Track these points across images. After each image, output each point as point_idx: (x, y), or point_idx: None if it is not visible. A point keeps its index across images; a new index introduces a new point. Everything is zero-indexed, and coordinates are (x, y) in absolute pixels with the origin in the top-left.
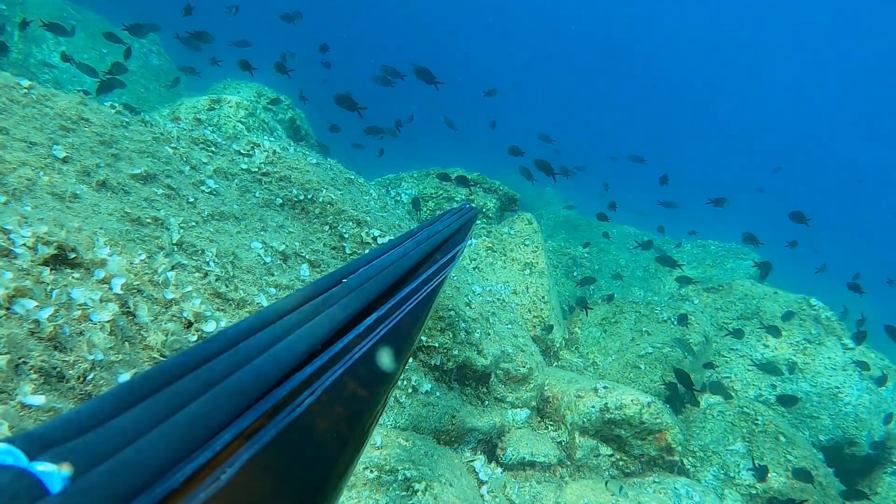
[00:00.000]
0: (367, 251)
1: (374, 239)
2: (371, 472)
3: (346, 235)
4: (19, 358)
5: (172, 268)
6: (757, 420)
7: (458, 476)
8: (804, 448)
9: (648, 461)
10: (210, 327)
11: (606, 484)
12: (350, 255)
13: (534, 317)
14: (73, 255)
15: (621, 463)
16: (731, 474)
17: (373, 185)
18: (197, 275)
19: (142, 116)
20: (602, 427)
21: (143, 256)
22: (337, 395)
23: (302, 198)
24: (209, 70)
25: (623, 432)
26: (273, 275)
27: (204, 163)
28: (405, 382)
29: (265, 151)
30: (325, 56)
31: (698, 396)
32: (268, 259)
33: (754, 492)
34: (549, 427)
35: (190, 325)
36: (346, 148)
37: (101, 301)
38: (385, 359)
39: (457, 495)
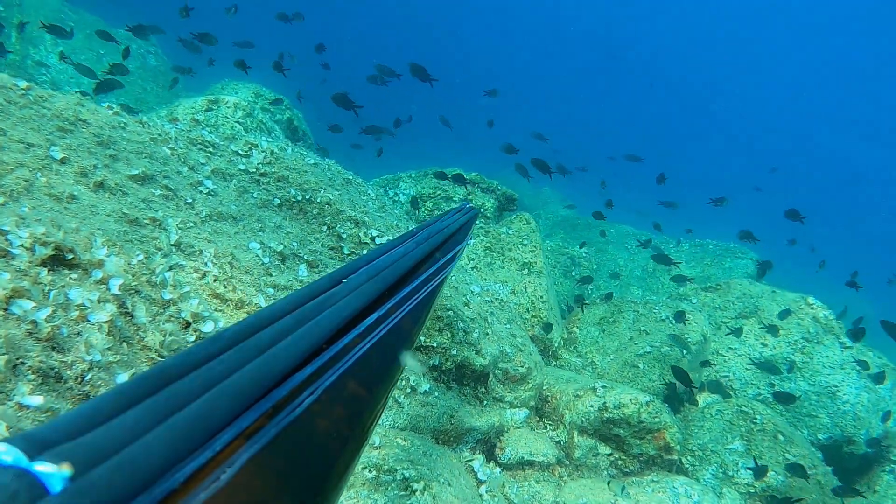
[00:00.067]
0: (365, 251)
1: (373, 239)
2: (370, 471)
3: (345, 236)
4: (17, 358)
5: (170, 268)
6: (755, 419)
7: (456, 476)
8: (803, 447)
9: (647, 460)
10: (208, 328)
11: (609, 484)
12: (348, 255)
13: (532, 316)
14: (70, 256)
15: (620, 462)
16: (730, 473)
17: (371, 186)
18: (195, 275)
19: (139, 117)
20: (601, 426)
21: (141, 257)
22: (337, 394)
23: (300, 198)
24: (205, 70)
25: (622, 431)
26: (271, 275)
27: (202, 163)
28: (404, 382)
29: (263, 152)
30: (323, 56)
31: (696, 395)
32: (266, 259)
33: (753, 490)
34: (548, 426)
35: (188, 325)
36: (344, 148)
37: (98, 302)
38: (385, 359)
39: (455, 495)
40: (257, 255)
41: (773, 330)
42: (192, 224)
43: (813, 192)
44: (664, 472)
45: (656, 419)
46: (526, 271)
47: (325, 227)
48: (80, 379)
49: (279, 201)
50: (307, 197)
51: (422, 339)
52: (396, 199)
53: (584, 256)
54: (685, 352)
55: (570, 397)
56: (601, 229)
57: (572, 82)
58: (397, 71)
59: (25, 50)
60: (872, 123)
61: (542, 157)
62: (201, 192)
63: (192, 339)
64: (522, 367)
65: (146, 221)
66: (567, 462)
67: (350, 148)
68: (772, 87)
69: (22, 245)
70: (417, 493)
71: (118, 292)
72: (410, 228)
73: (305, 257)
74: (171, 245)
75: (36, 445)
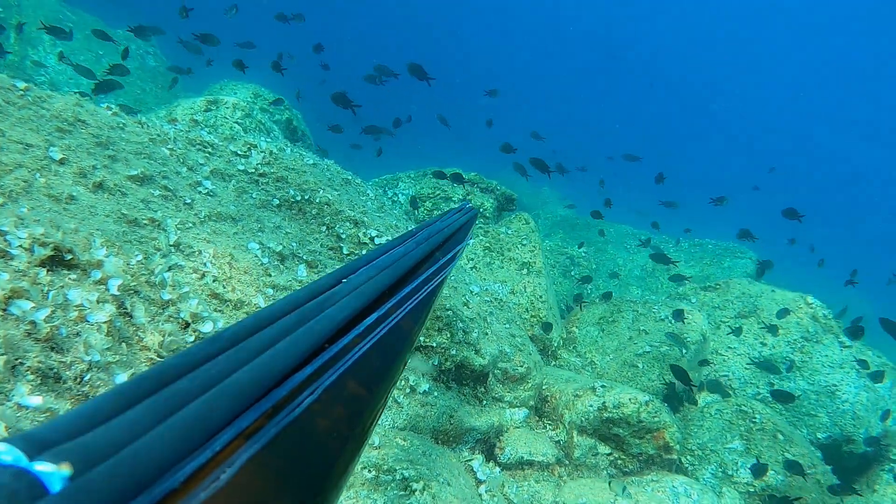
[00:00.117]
0: (364, 251)
1: (372, 239)
2: (369, 471)
3: (344, 236)
4: (16, 359)
5: (169, 269)
6: (755, 418)
7: (456, 475)
8: (802, 446)
9: (647, 460)
10: (207, 328)
11: (610, 484)
12: (347, 255)
13: (531, 316)
14: (69, 257)
15: (619, 462)
16: (729, 472)
17: (370, 186)
18: (194, 276)
19: (138, 118)
20: (600, 426)
21: (140, 257)
22: (337, 394)
23: (299, 198)
24: (204, 71)
25: (621, 431)
26: (270, 275)
27: (201, 164)
28: (403, 382)
29: (262, 152)
30: (322, 57)
31: (696, 394)
32: (265, 260)
33: (752, 490)
34: (548, 426)
35: (187, 325)
36: (344, 148)
37: (97, 302)
38: (385, 359)
39: (455, 494)
40: (256, 256)
41: (772, 329)
42: (190, 224)
43: (812, 191)
44: (664, 472)
45: (655, 419)
46: (525, 271)
47: (324, 228)
48: (79, 379)
49: (278, 201)
50: (306, 197)
51: (421, 339)
52: (395, 199)
53: (583, 256)
54: (684, 351)
55: (570, 397)
56: (600, 228)
57: (572, 82)
58: (397, 71)
59: (24, 51)
60: (872, 123)
61: (540, 157)
62: (200, 192)
63: (192, 339)
64: (522, 366)
65: (145, 222)
66: (566, 462)
67: (349, 148)
68: (771, 87)
69: (21, 245)
70: (417, 493)
71: (117, 293)
72: (410, 228)
73: (304, 257)
74: (170, 245)
75: (35, 445)
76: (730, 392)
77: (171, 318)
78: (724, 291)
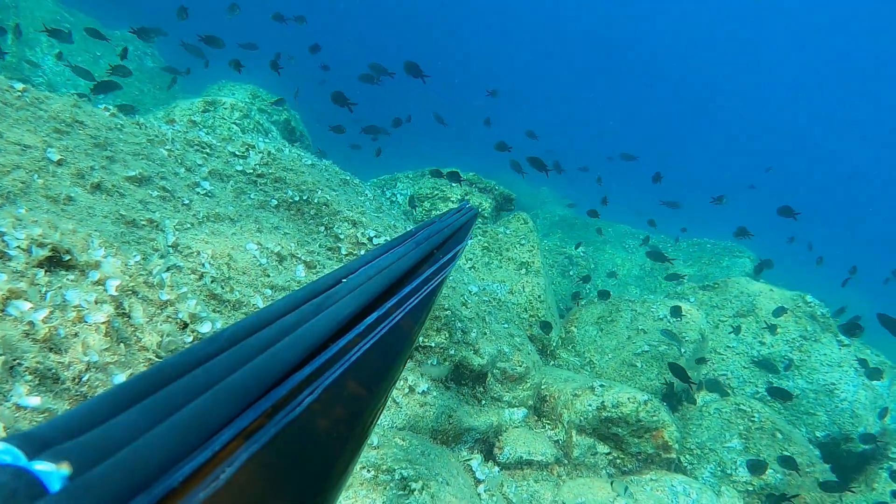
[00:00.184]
0: (363, 252)
1: (370, 239)
2: (368, 471)
3: (342, 236)
4: (14, 359)
5: (167, 269)
6: (753, 417)
7: (455, 475)
8: (801, 444)
9: (645, 459)
10: (206, 328)
11: (612, 484)
12: (346, 255)
13: (530, 316)
14: (67, 257)
15: (619, 461)
16: (728, 471)
17: (368, 186)
18: (192, 276)
19: (136, 119)
20: (599, 425)
21: (138, 258)
22: (337, 394)
23: (297, 199)
24: (202, 71)
25: (620, 430)
26: (269, 276)
27: (199, 165)
28: (402, 382)
29: (260, 153)
30: (321, 57)
31: (695, 393)
32: (263, 260)
33: (751, 488)
34: (547, 426)
35: (185, 326)
36: (343, 148)
37: (95, 303)
38: (385, 358)
39: (454, 494)
40: (255, 256)
41: (772, 329)
42: (189, 225)
43: (812, 191)
44: (663, 471)
45: (654, 418)
46: (524, 271)
47: (322, 228)
48: (77, 380)
49: (276, 202)
50: (304, 198)
51: (420, 339)
52: (394, 199)
53: (581, 256)
54: (682, 350)
55: (569, 396)
56: (597, 227)
57: (572, 82)
58: (387, 69)
59: (21, 52)
60: (871, 123)
61: (536, 155)
62: (198, 193)
63: (190, 339)
64: (520, 366)
65: (143, 223)
66: (565, 461)
67: (348, 148)
68: (771, 87)
69: (19, 246)
70: (416, 493)
71: (115, 293)
72: (409, 229)
73: (303, 258)
74: (169, 246)
75: (35, 445)
76: (728, 391)
77: (170, 319)
78: (723, 290)
